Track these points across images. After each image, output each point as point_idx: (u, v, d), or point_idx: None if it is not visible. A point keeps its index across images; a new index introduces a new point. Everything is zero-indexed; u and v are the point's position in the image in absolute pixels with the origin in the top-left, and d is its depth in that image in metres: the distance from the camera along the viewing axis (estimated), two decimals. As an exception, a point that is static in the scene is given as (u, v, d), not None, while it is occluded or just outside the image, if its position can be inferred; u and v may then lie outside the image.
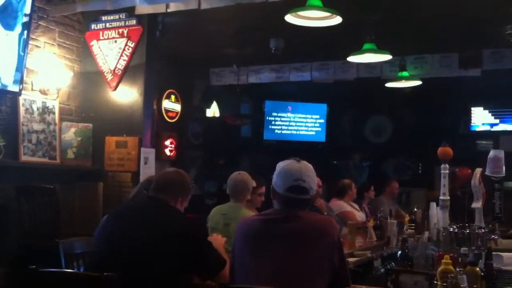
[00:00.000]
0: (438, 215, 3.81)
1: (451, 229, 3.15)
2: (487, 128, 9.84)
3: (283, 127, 10.65)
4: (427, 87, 7.67)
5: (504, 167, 3.52)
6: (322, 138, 10.76)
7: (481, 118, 9.93)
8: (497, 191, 3.47)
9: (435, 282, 2.72)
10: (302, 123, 10.74)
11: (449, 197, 3.58)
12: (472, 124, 9.93)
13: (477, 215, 3.52)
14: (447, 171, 3.56)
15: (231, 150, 9.94)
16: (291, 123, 10.69)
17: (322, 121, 10.77)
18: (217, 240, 3.31)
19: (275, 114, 10.61)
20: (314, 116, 10.74)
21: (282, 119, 10.66)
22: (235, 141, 10.29)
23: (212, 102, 9.26)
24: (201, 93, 9.40)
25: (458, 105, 9.70)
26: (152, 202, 3.03)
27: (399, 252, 3.53)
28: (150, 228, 2.84)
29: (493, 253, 3.10)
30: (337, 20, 4.76)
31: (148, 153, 5.85)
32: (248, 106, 10.82)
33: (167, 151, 8.28)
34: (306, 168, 2.70)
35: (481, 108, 9.89)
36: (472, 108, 9.92)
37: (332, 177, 7.66)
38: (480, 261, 3.03)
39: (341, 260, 2.60)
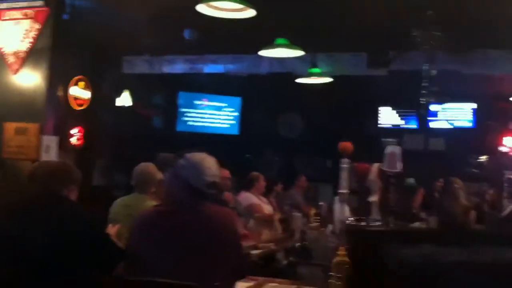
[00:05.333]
0: (338, 208, 3.93)
1: (347, 222, 3.25)
2: (393, 126, 10.28)
3: (197, 119, 10.58)
4: (339, 85, 7.87)
5: (400, 163, 3.68)
6: (235, 131, 10.79)
7: (388, 117, 10.36)
8: (393, 186, 3.61)
9: (330, 273, 2.80)
10: (216, 115, 10.72)
11: (348, 191, 3.69)
12: (379, 122, 10.32)
13: (373, 208, 3.65)
14: (347, 165, 3.66)
15: (142, 141, 9.73)
16: (204, 115, 10.64)
17: (236, 114, 10.80)
18: (110, 230, 3.23)
19: (188, 105, 10.51)
20: (228, 109, 10.75)
21: (196, 111, 10.58)
22: (146, 132, 10.09)
23: (122, 91, 9.02)
24: (113, 82, 9.11)
25: (367, 104, 10.04)
26: (45, 196, 2.89)
27: (297, 244, 3.60)
28: (44, 225, 2.70)
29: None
30: (250, 13, 4.76)
31: (50, 141, 5.62)
32: (161, 97, 10.64)
33: (73, 140, 7.94)
34: (215, 162, 2.69)
35: (389, 108, 10.30)
36: (380, 108, 10.31)
37: (243, 171, 7.69)
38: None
39: (238, 252, 2.61)
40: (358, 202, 4.35)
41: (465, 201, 4.59)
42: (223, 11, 4.77)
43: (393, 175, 3.59)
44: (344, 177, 3.50)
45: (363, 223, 3.23)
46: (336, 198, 4.53)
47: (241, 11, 4.75)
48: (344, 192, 3.67)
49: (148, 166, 4.43)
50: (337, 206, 4.31)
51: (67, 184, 2.95)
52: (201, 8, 4.71)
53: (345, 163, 3.65)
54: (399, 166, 3.63)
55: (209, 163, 2.67)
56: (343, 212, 3.65)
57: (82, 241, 2.68)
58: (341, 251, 2.97)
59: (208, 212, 2.62)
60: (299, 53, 6.27)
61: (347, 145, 3.76)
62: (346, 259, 2.95)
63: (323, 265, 3.25)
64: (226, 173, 6.60)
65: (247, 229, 5.57)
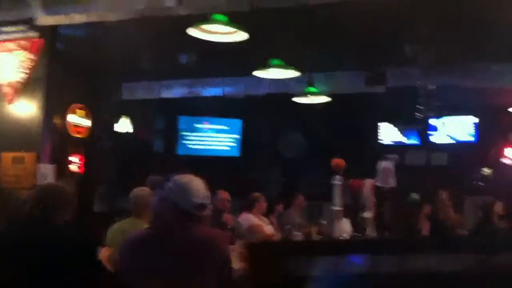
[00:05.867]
0: (335, 225, 3.89)
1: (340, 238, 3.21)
2: (394, 143, 10.23)
3: (197, 142, 10.58)
4: (338, 103, 7.86)
5: (393, 178, 3.64)
6: (236, 153, 10.78)
7: (388, 134, 10.31)
8: (388, 201, 3.57)
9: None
10: (216, 138, 10.72)
11: (342, 208, 3.65)
12: (379, 139, 10.28)
13: (368, 224, 3.61)
14: (340, 182, 3.64)
15: (143, 166, 9.72)
16: (205, 138, 10.64)
17: (237, 136, 10.79)
18: (103, 253, 3.21)
19: (189, 129, 10.52)
20: (229, 132, 10.76)
21: (196, 134, 10.59)
22: (147, 157, 10.08)
23: (121, 117, 9.04)
24: (113, 108, 9.15)
25: (367, 121, 10.02)
26: (35, 222, 2.88)
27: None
28: (33, 248, 2.70)
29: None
30: (242, 36, 4.78)
31: (47, 169, 5.60)
32: (161, 121, 10.66)
33: (73, 167, 7.96)
34: (203, 184, 2.67)
35: (389, 124, 10.27)
36: (380, 124, 10.28)
37: (245, 192, 7.64)
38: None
39: (227, 275, 2.58)
40: (353, 219, 4.30)
41: (453, 213, 4.55)
42: (215, 35, 4.79)
43: (387, 191, 3.55)
44: (337, 194, 3.46)
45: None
46: (332, 216, 4.49)
47: (232, 34, 4.76)
48: (338, 209, 3.64)
49: (143, 190, 4.41)
50: (334, 224, 4.27)
51: (59, 208, 2.94)
52: (192, 32, 4.72)
53: (337, 180, 3.63)
54: (393, 181, 3.59)
55: (197, 184, 2.64)
56: (340, 230, 3.61)
57: (69, 264, 2.67)
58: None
59: (196, 234, 2.59)
60: (294, 73, 6.28)
61: (339, 162, 3.73)
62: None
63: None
64: (225, 194, 6.57)
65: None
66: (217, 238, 2.63)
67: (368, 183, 3.47)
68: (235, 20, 4.62)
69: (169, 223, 2.60)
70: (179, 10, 4.80)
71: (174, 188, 2.62)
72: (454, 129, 10.04)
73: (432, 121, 9.89)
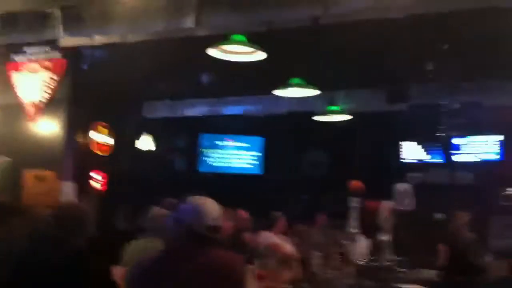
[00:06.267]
0: (352, 247, 3.83)
1: (360, 263, 3.16)
2: (418, 161, 10.07)
3: (219, 160, 10.59)
4: (360, 121, 7.81)
5: (411, 200, 3.57)
6: (259, 171, 10.76)
7: (412, 152, 10.16)
8: (405, 224, 3.51)
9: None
10: (238, 155, 10.72)
11: (357, 230, 3.60)
12: (401, 157, 10.13)
13: (385, 248, 3.55)
14: (357, 205, 3.59)
15: (165, 184, 9.76)
16: (226, 156, 10.65)
17: (258, 154, 10.78)
18: (117, 273, 3.21)
19: (210, 146, 10.55)
20: (250, 149, 10.75)
21: (218, 151, 10.61)
22: (170, 175, 10.13)
23: (143, 135, 9.11)
24: (135, 126, 9.24)
25: (390, 139, 9.90)
26: (52, 242, 2.90)
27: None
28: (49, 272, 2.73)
29: (399, 285, 3.11)
30: (261, 55, 4.80)
31: (69, 187, 5.67)
32: (183, 139, 10.71)
33: (96, 185, 8.04)
34: (216, 206, 2.67)
35: (413, 143, 10.12)
36: (402, 143, 10.14)
37: (266, 211, 7.60)
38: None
39: None
40: (371, 242, 4.23)
41: (469, 234, 4.45)
42: (234, 55, 4.81)
43: (404, 213, 3.49)
44: (354, 216, 3.42)
45: (376, 263, 3.13)
46: (349, 238, 4.43)
47: (251, 53, 4.78)
48: (354, 232, 3.59)
49: (160, 211, 4.42)
50: (351, 247, 4.21)
51: (76, 229, 2.96)
52: (212, 52, 4.76)
53: (355, 202, 3.59)
54: (410, 203, 3.52)
55: (210, 206, 2.63)
56: (357, 252, 3.56)
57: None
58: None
59: (211, 257, 2.57)
60: (314, 92, 6.26)
61: (357, 185, 3.69)
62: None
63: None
64: (244, 214, 6.54)
65: (267, 270, 5.45)
66: (232, 261, 2.61)
67: (384, 205, 3.41)
68: (253, 40, 4.64)
69: (182, 246, 2.59)
70: (197, 31, 4.84)
71: (188, 210, 2.62)
72: (479, 147, 9.85)
73: (456, 140, 9.74)
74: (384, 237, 3.41)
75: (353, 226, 3.46)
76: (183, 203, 2.69)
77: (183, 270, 2.50)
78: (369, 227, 4.55)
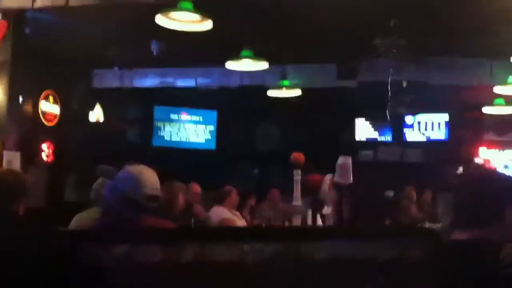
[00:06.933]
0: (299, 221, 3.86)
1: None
2: (367, 139, 10.24)
3: (173, 134, 10.49)
4: (313, 96, 7.84)
5: (350, 174, 3.62)
6: (212, 146, 10.72)
7: (363, 129, 10.32)
8: (346, 198, 3.55)
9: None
10: (192, 130, 10.63)
11: (300, 203, 3.63)
12: (355, 134, 10.29)
13: (327, 221, 3.59)
14: (299, 177, 3.61)
15: (116, 156, 9.59)
16: (181, 130, 10.55)
17: (212, 127, 10.72)
18: None
19: (164, 119, 10.42)
20: (205, 123, 10.68)
21: (172, 125, 10.49)
22: (120, 147, 9.95)
23: (95, 105, 8.90)
24: (83, 96, 9.00)
25: (343, 115, 10.00)
26: None
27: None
28: None
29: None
30: (208, 25, 4.73)
31: (12, 156, 5.51)
32: (135, 111, 10.53)
33: (43, 156, 7.85)
34: (155, 175, 2.64)
35: (363, 119, 10.28)
36: (356, 119, 10.28)
37: (218, 185, 7.59)
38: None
39: None
40: (312, 215, 4.27)
41: (416, 212, 4.55)
42: (180, 23, 4.73)
43: (346, 187, 3.53)
44: (296, 189, 3.43)
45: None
46: (297, 212, 4.45)
47: (198, 23, 4.71)
48: (297, 204, 3.62)
49: (102, 180, 4.34)
50: (294, 219, 4.25)
51: (15, 197, 2.87)
52: (159, 19, 4.66)
53: (297, 175, 3.60)
54: (350, 177, 3.57)
55: (148, 175, 2.60)
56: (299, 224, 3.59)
57: (27, 258, 2.60)
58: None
59: (145, 225, 2.55)
60: (265, 65, 6.23)
61: (299, 156, 3.70)
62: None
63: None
64: (196, 187, 6.52)
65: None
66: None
67: (327, 178, 3.45)
68: (201, 9, 4.57)
69: (118, 214, 2.56)
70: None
71: (125, 178, 2.58)
72: (427, 126, 10.08)
73: (407, 119, 9.94)
74: (326, 211, 3.44)
75: (296, 198, 3.48)
76: (119, 171, 2.65)
77: (116, 238, 2.46)
78: (312, 200, 4.58)
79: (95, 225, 2.62)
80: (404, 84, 7.06)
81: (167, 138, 10.46)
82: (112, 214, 2.60)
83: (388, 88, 6.93)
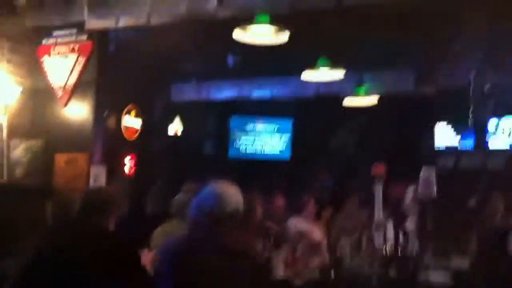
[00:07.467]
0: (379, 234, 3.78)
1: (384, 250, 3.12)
2: (448, 145, 9.88)
3: (248, 145, 10.58)
4: (389, 104, 7.69)
5: (434, 187, 3.49)
6: (287, 156, 10.72)
7: (443, 136, 9.97)
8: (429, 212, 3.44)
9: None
10: (268, 140, 10.69)
11: (381, 215, 3.55)
12: (434, 141, 9.95)
13: (412, 235, 3.49)
14: (381, 189, 3.53)
15: (193, 168, 9.80)
16: (256, 141, 10.63)
17: (287, 137, 10.74)
18: (146, 257, 3.25)
19: (240, 130, 10.54)
20: (280, 132, 10.71)
21: (248, 136, 10.59)
22: (198, 159, 10.16)
23: (174, 118, 9.15)
24: (163, 109, 9.27)
25: (422, 122, 9.72)
26: (81, 228, 2.94)
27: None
28: (76, 255, 2.75)
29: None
30: (285, 35, 4.74)
31: (99, 170, 5.74)
32: (212, 122, 10.73)
33: (126, 168, 8.12)
34: (237, 191, 2.68)
35: (444, 124, 9.92)
36: (435, 125, 9.96)
37: (296, 195, 7.58)
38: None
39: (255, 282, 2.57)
40: (398, 228, 4.17)
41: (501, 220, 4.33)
42: (259, 36, 4.76)
43: (430, 201, 3.41)
44: (377, 201, 3.36)
45: (402, 252, 3.08)
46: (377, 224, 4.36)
47: (276, 35, 4.73)
48: (381, 218, 3.54)
49: (184, 195, 4.44)
50: (379, 233, 4.15)
51: (102, 212, 2.99)
52: (237, 34, 4.71)
53: (378, 189, 3.52)
54: (434, 191, 3.44)
55: (231, 192, 2.64)
56: (380, 240, 3.51)
57: (112, 272, 2.70)
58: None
59: (233, 240, 2.59)
60: (341, 72, 6.16)
61: (380, 168, 3.62)
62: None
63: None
64: (280, 200, 6.55)
65: (295, 256, 5.46)
66: (248, 246, 2.63)
67: (410, 191, 3.35)
68: (277, 22, 4.59)
69: (203, 230, 2.61)
70: (219, 12, 4.81)
71: (209, 196, 2.63)
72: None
73: (489, 123, 9.52)
74: (410, 224, 3.34)
75: (378, 212, 3.40)
76: (204, 188, 2.71)
77: (203, 255, 2.51)
78: (395, 214, 4.48)
79: (182, 242, 2.67)
80: (486, 88, 6.79)
81: (242, 149, 10.57)
82: (198, 232, 2.65)
83: (468, 93, 6.70)
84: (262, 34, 4.78)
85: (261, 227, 5.27)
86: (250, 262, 2.57)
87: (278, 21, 4.63)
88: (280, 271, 4.58)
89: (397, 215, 4.22)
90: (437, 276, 3.13)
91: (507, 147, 9.41)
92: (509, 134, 9.49)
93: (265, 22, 4.57)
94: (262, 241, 3.70)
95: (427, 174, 3.49)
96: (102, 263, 2.73)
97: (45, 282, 2.73)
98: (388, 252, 3.58)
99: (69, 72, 5.74)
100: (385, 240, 3.55)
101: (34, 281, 2.79)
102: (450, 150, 9.74)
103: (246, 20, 4.63)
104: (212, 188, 2.67)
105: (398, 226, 4.07)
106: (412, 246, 3.16)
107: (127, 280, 2.80)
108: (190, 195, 4.38)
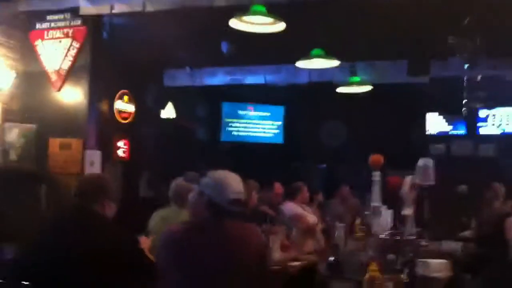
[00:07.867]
0: (372, 220, 3.86)
1: (382, 236, 3.19)
2: (440, 132, 10.01)
3: (240, 129, 10.63)
4: (382, 93, 7.74)
5: (432, 176, 3.57)
6: (280, 140, 10.79)
7: (434, 124, 10.09)
8: (426, 199, 3.52)
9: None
10: (260, 125, 10.74)
11: (380, 204, 3.62)
12: (426, 129, 10.07)
13: (408, 222, 3.57)
14: (379, 179, 3.60)
15: (187, 153, 9.84)
16: (248, 125, 10.68)
17: (280, 123, 10.80)
18: (144, 243, 3.28)
19: (232, 115, 10.59)
20: (272, 118, 10.77)
21: (240, 121, 10.64)
22: (191, 143, 10.20)
23: (166, 104, 9.15)
24: (155, 95, 9.27)
25: (413, 110, 9.82)
26: (79, 212, 2.96)
27: (330, 258, 3.56)
28: (73, 240, 2.78)
29: (421, 260, 3.14)
30: (281, 26, 4.77)
31: (94, 155, 5.76)
32: (204, 108, 10.75)
33: (119, 153, 8.15)
34: (238, 179, 2.71)
35: (435, 114, 10.04)
36: (427, 114, 10.06)
37: (289, 180, 7.65)
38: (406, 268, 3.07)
39: (262, 270, 2.61)
40: (393, 215, 4.24)
41: (501, 208, 4.43)
42: (254, 25, 4.78)
43: (427, 187, 3.49)
44: (375, 190, 3.44)
45: (398, 237, 3.16)
46: (371, 210, 4.43)
47: (271, 25, 4.75)
48: (376, 205, 3.61)
49: (183, 182, 4.47)
50: (373, 220, 4.23)
51: (99, 198, 3.02)
52: (233, 23, 4.73)
53: (376, 177, 3.59)
54: (431, 178, 3.53)
55: (232, 180, 2.67)
56: (379, 225, 3.59)
57: (110, 258, 2.73)
58: (373, 267, 2.92)
59: (230, 230, 2.63)
60: (335, 63, 6.20)
61: (378, 158, 3.69)
62: (378, 274, 2.90)
63: (355, 281, 3.19)
64: (279, 187, 6.62)
65: (290, 240, 5.54)
66: (250, 233, 2.67)
67: (407, 180, 3.43)
68: (273, 11, 4.61)
69: (204, 219, 2.65)
70: (216, 1, 4.82)
71: (210, 184, 2.67)
72: (503, 120, 9.72)
73: (481, 112, 9.63)
74: (407, 211, 3.42)
75: (375, 200, 3.48)
76: (205, 176, 2.74)
77: (205, 243, 2.56)
78: (391, 201, 4.55)
79: (184, 229, 2.70)
80: (479, 78, 6.85)
81: (234, 133, 10.63)
82: (200, 219, 2.69)
83: (460, 84, 6.76)
84: (257, 23, 4.80)
85: (256, 212, 5.35)
86: (252, 250, 2.61)
87: (273, 9, 4.65)
88: (276, 255, 4.64)
89: (394, 202, 4.29)
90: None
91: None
92: (499, 126, 9.64)
93: (261, 13, 4.59)
94: (258, 226, 3.75)
95: (425, 163, 3.56)
96: (101, 251, 2.76)
97: (43, 269, 2.75)
98: (384, 236, 3.66)
99: (63, 57, 5.74)
100: (381, 226, 3.63)
101: (31, 267, 2.80)
102: (440, 135, 9.90)
103: (241, 9, 4.65)
104: (212, 176, 2.70)
105: (395, 212, 4.16)
106: (407, 231, 3.25)
107: (127, 266, 2.83)
108: (191, 183, 4.43)
